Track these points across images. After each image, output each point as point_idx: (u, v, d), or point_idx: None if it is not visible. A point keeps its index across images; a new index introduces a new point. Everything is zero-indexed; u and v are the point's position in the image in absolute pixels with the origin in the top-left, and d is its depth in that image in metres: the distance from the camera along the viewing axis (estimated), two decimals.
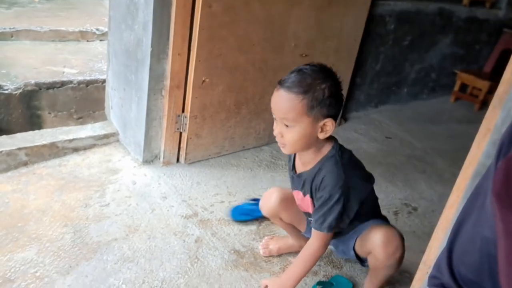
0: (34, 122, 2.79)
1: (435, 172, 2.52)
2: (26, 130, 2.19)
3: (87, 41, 3.76)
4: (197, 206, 1.89)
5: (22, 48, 3.33)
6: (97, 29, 3.83)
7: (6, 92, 2.66)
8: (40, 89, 2.77)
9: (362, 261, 1.50)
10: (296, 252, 1.69)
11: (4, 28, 3.41)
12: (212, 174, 2.14)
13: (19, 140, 2.01)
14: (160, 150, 2.10)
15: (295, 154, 1.43)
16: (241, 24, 1.99)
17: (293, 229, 1.63)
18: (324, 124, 1.24)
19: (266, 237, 1.75)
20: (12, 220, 1.65)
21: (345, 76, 2.61)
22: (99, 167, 2.04)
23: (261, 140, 2.43)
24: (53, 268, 1.47)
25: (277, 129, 1.26)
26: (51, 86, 2.80)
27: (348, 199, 1.29)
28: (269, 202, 1.54)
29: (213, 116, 2.13)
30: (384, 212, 2.04)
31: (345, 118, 2.94)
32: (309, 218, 1.52)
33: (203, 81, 1.99)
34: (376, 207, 1.52)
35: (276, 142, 1.31)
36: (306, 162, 1.36)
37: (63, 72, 2.97)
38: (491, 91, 3.55)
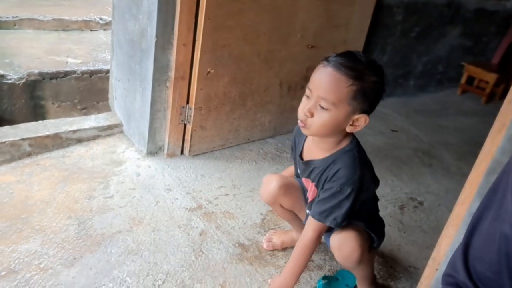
0: (37, 113, 2.78)
1: (442, 166, 2.50)
2: (29, 121, 2.17)
3: (91, 30, 3.74)
4: (202, 199, 1.87)
5: (25, 37, 3.30)
6: (101, 18, 3.79)
7: (9, 82, 2.65)
8: (44, 79, 2.75)
9: None
10: None
11: (7, 17, 3.38)
12: (216, 166, 2.12)
13: (22, 130, 1.99)
14: (164, 141, 2.09)
15: (304, 140, 1.39)
16: (248, 14, 1.96)
17: (294, 218, 1.58)
18: (357, 119, 1.19)
19: (270, 231, 1.73)
20: (16, 211, 1.64)
21: None
22: (103, 158, 2.03)
23: (266, 132, 2.40)
24: (57, 259, 1.47)
25: (308, 106, 1.18)
26: (55, 76, 2.78)
27: (358, 197, 1.26)
28: (268, 188, 1.48)
29: (218, 107, 2.11)
30: (389, 206, 2.04)
31: None
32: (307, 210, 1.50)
33: (208, 72, 1.97)
34: (373, 210, 1.48)
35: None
36: (319, 150, 1.31)
37: (67, 62, 2.95)
38: (498, 83, 3.52)
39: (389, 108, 3.10)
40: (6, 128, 1.99)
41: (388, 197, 2.12)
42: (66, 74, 2.82)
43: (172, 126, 2.03)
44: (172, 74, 1.91)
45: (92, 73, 2.91)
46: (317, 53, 2.33)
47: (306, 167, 1.36)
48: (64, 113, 2.82)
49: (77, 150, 2.06)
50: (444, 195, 2.19)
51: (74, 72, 2.85)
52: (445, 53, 3.46)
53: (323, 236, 1.57)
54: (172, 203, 1.82)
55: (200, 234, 1.68)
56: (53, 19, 3.56)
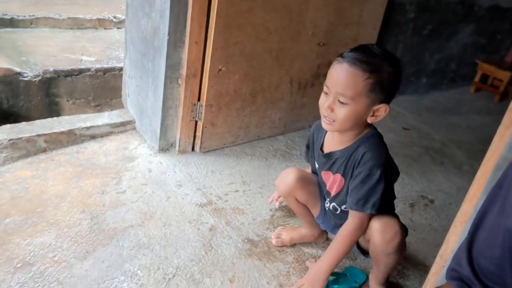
0: (52, 109, 2.83)
1: (453, 164, 2.48)
2: (45, 117, 2.22)
3: (105, 28, 3.79)
4: (212, 195, 1.89)
5: (41, 35, 3.37)
6: (115, 17, 3.84)
7: (26, 79, 2.70)
8: (59, 76, 2.80)
9: (364, 252, 1.50)
10: (308, 242, 1.70)
11: (24, 16, 3.45)
12: (226, 163, 2.14)
13: (38, 127, 2.04)
14: (175, 138, 2.11)
15: (325, 134, 1.41)
16: (259, 12, 1.97)
17: (306, 213, 1.60)
18: (377, 109, 1.22)
19: (279, 227, 1.75)
20: (32, 206, 1.68)
21: None
22: (116, 154, 2.06)
23: (276, 129, 2.42)
24: (70, 253, 1.50)
25: (328, 103, 1.22)
26: (69, 73, 2.83)
27: (388, 180, 1.26)
28: (286, 180, 1.51)
29: (228, 105, 2.13)
30: (400, 204, 2.04)
31: None
32: (326, 204, 1.51)
33: (219, 69, 1.98)
34: (391, 207, 1.48)
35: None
36: (340, 142, 1.33)
37: (81, 60, 3.00)
38: None
39: (400, 106, 3.08)
40: (23, 125, 2.04)
41: (399, 195, 2.09)
42: (81, 71, 2.87)
43: (183, 123, 2.06)
44: (184, 71, 1.93)
45: (105, 70, 2.95)
46: (328, 51, 2.33)
47: (327, 160, 1.38)
48: (78, 110, 2.87)
49: (91, 146, 2.09)
50: (456, 194, 2.18)
51: (88, 69, 2.90)
52: (458, 51, 3.42)
53: (332, 230, 1.58)
54: (183, 198, 1.85)
55: (210, 230, 1.70)
56: (68, 18, 3.62)
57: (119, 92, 2.52)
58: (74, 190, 1.80)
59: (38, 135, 1.98)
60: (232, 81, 2.07)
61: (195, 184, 1.95)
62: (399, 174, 1.41)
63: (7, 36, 3.22)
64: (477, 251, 0.70)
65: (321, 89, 1.28)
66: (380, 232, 1.30)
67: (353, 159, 1.29)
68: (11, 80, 2.67)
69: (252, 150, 2.28)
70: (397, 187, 2.14)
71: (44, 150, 2.00)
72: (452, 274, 0.74)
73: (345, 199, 1.37)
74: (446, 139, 2.77)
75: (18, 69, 2.70)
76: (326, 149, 1.40)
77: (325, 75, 1.27)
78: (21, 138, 1.94)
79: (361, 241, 1.45)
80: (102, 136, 2.16)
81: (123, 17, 2.92)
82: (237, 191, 1.95)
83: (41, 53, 2.99)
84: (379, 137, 1.32)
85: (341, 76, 1.19)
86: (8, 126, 2.01)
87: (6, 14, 3.39)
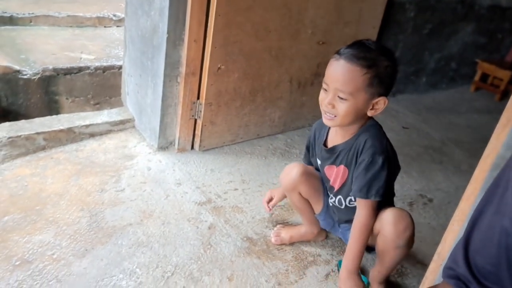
0: (51, 107, 2.83)
1: (453, 163, 2.48)
2: (44, 115, 2.22)
3: (104, 27, 3.78)
4: (211, 193, 1.90)
5: (41, 33, 3.36)
6: (114, 15, 3.84)
7: (25, 77, 2.70)
8: (58, 74, 2.80)
9: (369, 248, 1.49)
10: (308, 241, 1.70)
11: (23, 14, 3.44)
12: (226, 161, 2.14)
13: (37, 124, 2.04)
14: (175, 136, 2.11)
15: (328, 130, 1.43)
16: (258, 10, 1.97)
17: (308, 209, 1.60)
18: (377, 102, 1.25)
19: (278, 225, 1.75)
20: (31, 203, 1.68)
21: None
22: (115, 152, 2.06)
23: (275, 128, 2.42)
24: (69, 250, 1.50)
25: (328, 99, 1.25)
26: (69, 71, 2.83)
27: (390, 167, 1.28)
28: (290, 174, 1.52)
29: (228, 103, 2.13)
30: (399, 203, 2.04)
31: None
32: (330, 199, 1.52)
33: (219, 68, 1.98)
34: (390, 200, 1.48)
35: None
36: (344, 135, 1.36)
37: (81, 58, 3.00)
38: None
39: (400, 105, 3.08)
40: (22, 122, 2.04)
41: (398, 193, 2.08)
42: (80, 70, 2.87)
43: (182, 121, 2.06)
44: (183, 69, 1.93)
45: (105, 69, 2.95)
46: (328, 50, 2.33)
47: (330, 154, 1.40)
48: (77, 108, 2.87)
49: (90, 144, 2.10)
50: (454, 193, 2.18)
51: (88, 68, 2.89)
52: (458, 50, 3.42)
53: (339, 230, 1.58)
54: (182, 197, 1.85)
55: (209, 228, 1.70)
56: (68, 16, 3.61)
57: (118, 90, 2.52)
58: (73, 188, 1.80)
59: (37, 133, 1.98)
60: (231, 80, 2.07)
61: (194, 182, 1.95)
62: (400, 168, 1.41)
63: (6, 34, 3.22)
64: (473, 250, 0.70)
65: (320, 88, 1.29)
66: (393, 224, 1.30)
67: (356, 147, 1.32)
68: (10, 78, 2.67)
69: (251, 148, 2.28)
70: (396, 185, 2.13)
71: (43, 148, 2.00)
72: (449, 272, 0.74)
73: (349, 190, 1.38)
74: (445, 138, 2.77)
75: (17, 67, 2.70)
76: (330, 144, 1.42)
77: (324, 74, 1.28)
78: (20, 136, 1.94)
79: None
80: (101, 134, 2.16)
81: (123, 15, 2.91)
82: (236, 189, 1.95)
83: (40, 51, 2.99)
84: (379, 127, 1.36)
85: (339, 73, 1.21)
86: (7, 124, 2.01)
87: (5, 12, 3.38)
